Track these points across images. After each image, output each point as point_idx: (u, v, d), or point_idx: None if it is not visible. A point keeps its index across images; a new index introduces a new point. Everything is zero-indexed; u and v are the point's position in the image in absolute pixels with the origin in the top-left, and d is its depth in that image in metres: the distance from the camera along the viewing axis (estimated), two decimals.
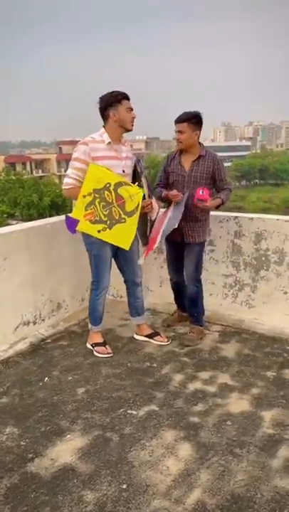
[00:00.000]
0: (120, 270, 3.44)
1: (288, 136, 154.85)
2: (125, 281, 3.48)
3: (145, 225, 3.29)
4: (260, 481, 2.08)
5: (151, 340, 3.50)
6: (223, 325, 3.77)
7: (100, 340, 3.39)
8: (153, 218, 3.30)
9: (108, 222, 2.96)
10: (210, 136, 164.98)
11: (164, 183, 3.48)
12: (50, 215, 25.37)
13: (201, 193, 3.17)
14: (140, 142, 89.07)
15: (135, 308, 3.51)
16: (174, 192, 3.27)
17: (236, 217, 3.76)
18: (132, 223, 3.01)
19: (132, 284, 3.45)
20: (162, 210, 3.78)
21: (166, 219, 3.29)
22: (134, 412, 2.61)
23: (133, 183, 3.12)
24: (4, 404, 2.72)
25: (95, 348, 3.35)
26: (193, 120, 3.20)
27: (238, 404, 2.69)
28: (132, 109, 3.07)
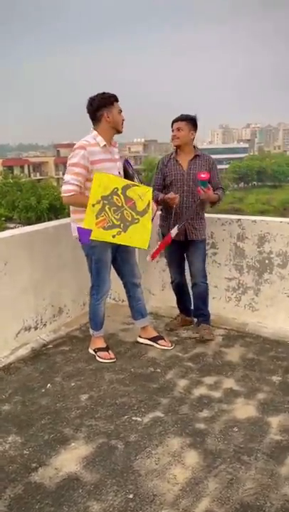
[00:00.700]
0: (118, 273, 3.42)
1: (286, 138, 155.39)
2: (124, 285, 3.45)
3: None
4: (269, 489, 2.04)
5: (154, 344, 3.46)
6: (226, 328, 3.74)
7: (102, 345, 3.34)
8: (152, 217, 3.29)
9: (122, 225, 2.91)
10: (208, 138, 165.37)
11: (160, 186, 3.52)
12: (49, 218, 25.32)
13: (203, 175, 3.29)
14: (138, 145, 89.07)
15: (138, 310, 3.48)
16: (172, 195, 3.31)
17: (239, 219, 3.73)
18: (147, 222, 2.98)
19: (131, 286, 3.42)
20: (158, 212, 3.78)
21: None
22: (138, 419, 2.57)
23: None
24: (6, 411, 2.68)
25: (98, 353, 3.30)
26: (190, 120, 3.40)
27: (244, 409, 2.65)
28: (121, 111, 3.12)
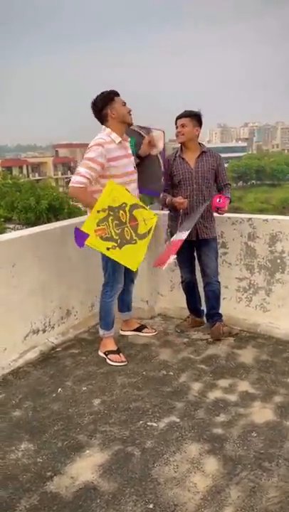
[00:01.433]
0: None
1: (284, 137, 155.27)
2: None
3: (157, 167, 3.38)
4: None
5: (139, 334, 3.62)
6: (237, 329, 3.66)
7: (113, 347, 3.27)
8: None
9: (119, 241, 2.88)
10: (206, 137, 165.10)
11: (167, 186, 3.47)
12: (48, 219, 25.18)
13: (219, 201, 3.25)
14: None
15: (127, 304, 3.57)
16: (180, 199, 3.25)
17: (250, 218, 3.66)
18: (143, 246, 2.98)
19: (129, 282, 3.46)
20: (163, 212, 3.73)
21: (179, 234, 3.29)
22: (154, 424, 2.50)
23: (140, 163, 3.25)
24: (17, 417, 2.60)
25: (109, 356, 3.23)
26: (194, 116, 3.32)
27: (262, 413, 2.58)
28: (125, 103, 3.09)
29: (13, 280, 3.19)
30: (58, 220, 17.42)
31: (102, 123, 3.07)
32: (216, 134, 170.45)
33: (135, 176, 3.19)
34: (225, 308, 3.69)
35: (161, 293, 4.16)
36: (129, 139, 3.21)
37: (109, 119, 3.03)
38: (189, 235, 3.31)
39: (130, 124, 3.16)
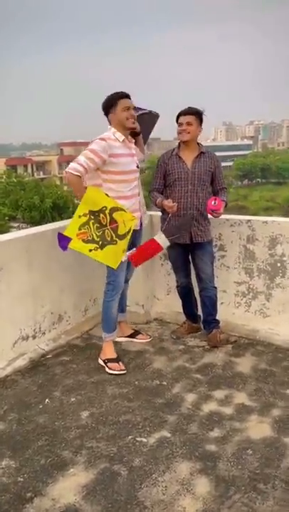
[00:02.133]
0: None
1: None
2: None
3: None
4: None
5: (134, 340, 3.50)
6: (236, 336, 3.52)
7: (113, 355, 3.15)
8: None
9: (100, 242, 2.97)
10: (211, 135, 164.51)
11: (160, 186, 3.34)
12: (52, 217, 25.11)
13: (214, 203, 3.12)
14: None
15: (121, 305, 3.40)
16: (170, 203, 3.12)
17: (249, 220, 3.51)
18: (123, 245, 3.02)
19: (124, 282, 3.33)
20: (150, 213, 3.61)
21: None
22: (143, 440, 2.36)
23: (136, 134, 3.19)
24: (1, 431, 2.47)
25: (108, 363, 3.11)
26: (199, 115, 3.23)
27: (259, 428, 2.44)
28: (128, 108, 3.01)
29: (1, 285, 3.06)
30: (62, 218, 17.33)
31: (109, 123, 3.12)
32: (220, 132, 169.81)
33: (138, 175, 3.19)
34: (223, 313, 3.55)
35: (158, 297, 4.03)
36: (133, 141, 3.21)
37: (112, 122, 3.09)
38: (183, 237, 3.17)
39: (130, 129, 3.09)
